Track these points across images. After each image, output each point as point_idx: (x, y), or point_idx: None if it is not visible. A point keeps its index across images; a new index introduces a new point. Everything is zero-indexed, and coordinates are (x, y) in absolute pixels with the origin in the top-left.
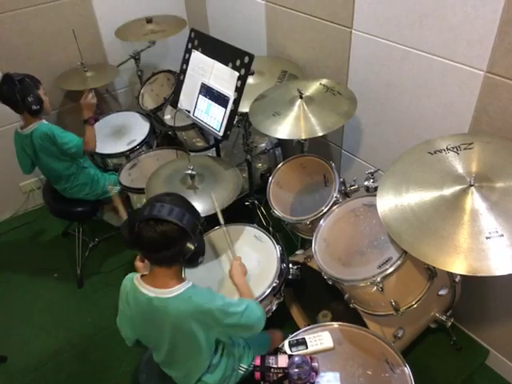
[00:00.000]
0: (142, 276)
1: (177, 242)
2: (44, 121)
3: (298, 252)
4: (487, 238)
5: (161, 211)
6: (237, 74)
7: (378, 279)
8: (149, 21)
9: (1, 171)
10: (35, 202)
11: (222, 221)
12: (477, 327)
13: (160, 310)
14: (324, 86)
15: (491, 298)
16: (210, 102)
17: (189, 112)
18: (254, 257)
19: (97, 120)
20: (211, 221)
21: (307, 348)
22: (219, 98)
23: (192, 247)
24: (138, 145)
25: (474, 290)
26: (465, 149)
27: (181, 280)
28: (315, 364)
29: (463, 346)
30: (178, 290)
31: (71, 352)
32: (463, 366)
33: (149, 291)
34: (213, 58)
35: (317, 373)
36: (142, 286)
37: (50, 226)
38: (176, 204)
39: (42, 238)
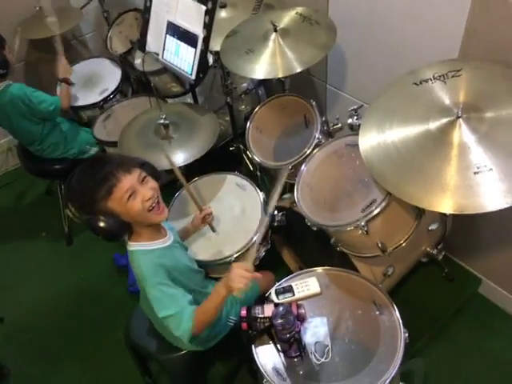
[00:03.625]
0: None
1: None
2: (10, 82)
3: (285, 196)
4: (475, 173)
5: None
6: (203, 7)
7: (363, 223)
8: None
9: None
10: (14, 162)
11: (183, 181)
12: (469, 257)
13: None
14: (300, 15)
15: (483, 227)
16: (178, 42)
17: (157, 54)
18: (238, 206)
19: (71, 83)
20: (193, 169)
21: (294, 295)
22: (188, 37)
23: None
24: (111, 94)
25: (466, 221)
26: (452, 76)
27: (143, 238)
28: (301, 311)
29: (455, 277)
30: (131, 246)
31: (66, 309)
32: (456, 296)
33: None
34: None
35: (303, 320)
36: None
37: (32, 185)
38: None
39: (26, 198)
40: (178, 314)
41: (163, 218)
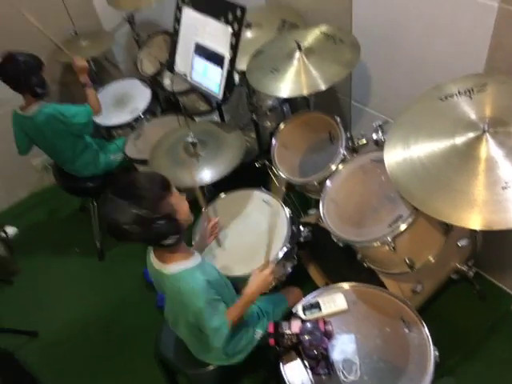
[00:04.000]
0: (154, 250)
1: (125, 234)
2: (43, 103)
3: (310, 212)
4: (504, 188)
5: (106, 207)
6: (230, 29)
7: (389, 239)
8: None
9: (11, 152)
10: (50, 180)
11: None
12: (501, 274)
13: (163, 280)
14: (324, 33)
15: None
16: (206, 62)
17: (186, 75)
18: (264, 222)
19: (94, 81)
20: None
21: (321, 311)
22: (215, 58)
23: (139, 236)
24: (141, 113)
25: (497, 237)
26: (478, 92)
27: (179, 258)
28: (329, 328)
29: (487, 295)
30: (172, 268)
31: (97, 323)
32: (487, 315)
33: (155, 263)
34: (204, 13)
35: (331, 336)
36: (153, 258)
37: (67, 202)
38: (127, 194)
39: (60, 215)
40: (221, 325)
41: (192, 218)
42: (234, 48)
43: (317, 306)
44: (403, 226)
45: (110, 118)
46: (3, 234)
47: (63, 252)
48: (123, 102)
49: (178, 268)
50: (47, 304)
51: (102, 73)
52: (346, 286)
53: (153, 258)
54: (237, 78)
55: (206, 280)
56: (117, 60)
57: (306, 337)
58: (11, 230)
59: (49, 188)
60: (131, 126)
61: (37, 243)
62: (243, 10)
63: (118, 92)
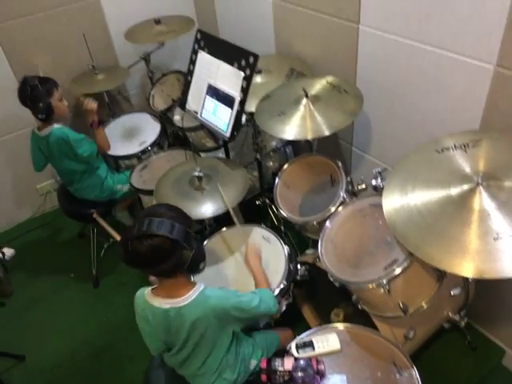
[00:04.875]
0: (152, 289)
1: (171, 253)
2: (55, 125)
3: (308, 251)
4: (495, 238)
5: (150, 226)
6: (242, 74)
7: (384, 281)
8: (157, 22)
9: (18, 174)
10: (52, 204)
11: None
12: (492, 326)
13: (177, 318)
14: (330, 83)
15: (508, 295)
16: (216, 102)
17: (196, 113)
18: (263, 258)
19: (101, 123)
20: (220, 220)
21: (314, 350)
22: (225, 99)
23: (188, 256)
24: (149, 146)
25: (490, 288)
26: (473, 146)
27: (191, 285)
28: (321, 367)
29: (478, 346)
30: (190, 296)
31: (87, 351)
32: (478, 367)
33: (163, 303)
34: (218, 58)
35: (323, 376)
36: (155, 299)
37: (66, 227)
38: (165, 216)
39: (58, 239)
40: (262, 294)
41: None
42: (245, 91)
43: (310, 344)
44: (398, 270)
45: (119, 148)
46: (0, 255)
47: (58, 277)
48: (133, 134)
49: (196, 292)
50: (37, 328)
51: (113, 105)
52: (340, 326)
53: (153, 300)
54: (244, 118)
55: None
56: (129, 94)
57: (299, 373)
58: (8, 252)
59: (50, 213)
60: (138, 158)
61: (33, 266)
62: (256, 57)
63: (129, 124)
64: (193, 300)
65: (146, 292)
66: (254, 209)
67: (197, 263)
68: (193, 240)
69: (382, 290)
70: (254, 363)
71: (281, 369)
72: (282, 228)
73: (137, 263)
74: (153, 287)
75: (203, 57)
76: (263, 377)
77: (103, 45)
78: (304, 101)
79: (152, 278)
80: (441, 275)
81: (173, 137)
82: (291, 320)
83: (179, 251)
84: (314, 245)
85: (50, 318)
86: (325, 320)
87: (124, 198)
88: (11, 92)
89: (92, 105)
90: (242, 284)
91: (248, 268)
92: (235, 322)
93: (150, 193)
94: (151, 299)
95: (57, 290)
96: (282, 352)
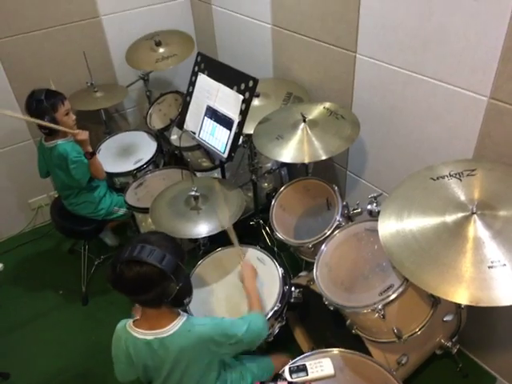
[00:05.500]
0: (134, 321)
1: (157, 283)
2: (60, 140)
3: (301, 274)
4: (490, 267)
5: (141, 253)
6: (241, 97)
7: (380, 306)
8: (158, 44)
9: (10, 188)
10: (43, 219)
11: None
12: (484, 354)
13: (160, 349)
14: (328, 109)
15: (499, 323)
16: (215, 123)
17: (194, 133)
18: (257, 279)
19: (93, 154)
20: (214, 240)
21: (308, 375)
22: (224, 121)
23: (174, 289)
24: (144, 164)
25: (481, 316)
26: (468, 175)
27: (175, 316)
28: None
29: (469, 373)
30: (174, 326)
31: (74, 371)
32: None
33: (145, 335)
34: (218, 81)
35: None
36: (137, 331)
37: (56, 243)
38: (159, 245)
39: (48, 255)
40: (252, 318)
41: None
42: (244, 113)
43: (304, 369)
44: (394, 296)
45: (114, 165)
46: None
47: (47, 293)
48: (129, 151)
49: (180, 322)
50: (23, 345)
51: (110, 123)
52: (334, 351)
53: (135, 332)
54: (240, 140)
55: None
56: (126, 112)
57: None
58: None
59: (40, 228)
60: (134, 175)
61: (21, 281)
62: (256, 81)
63: (125, 142)
64: (176, 330)
65: (127, 324)
66: (248, 229)
67: (182, 297)
68: (181, 274)
69: (376, 315)
70: None
71: None
72: (276, 249)
73: (122, 287)
74: (134, 319)
75: (203, 79)
76: None
77: (103, 63)
78: (302, 125)
79: (135, 309)
80: (435, 301)
81: (168, 156)
82: (284, 342)
83: (166, 283)
84: (308, 267)
85: (37, 336)
86: (317, 343)
87: (116, 220)
88: (8, 106)
89: (82, 136)
90: (236, 304)
91: (243, 286)
92: (222, 350)
93: (144, 211)
94: (133, 331)
95: (45, 307)
96: (275, 376)
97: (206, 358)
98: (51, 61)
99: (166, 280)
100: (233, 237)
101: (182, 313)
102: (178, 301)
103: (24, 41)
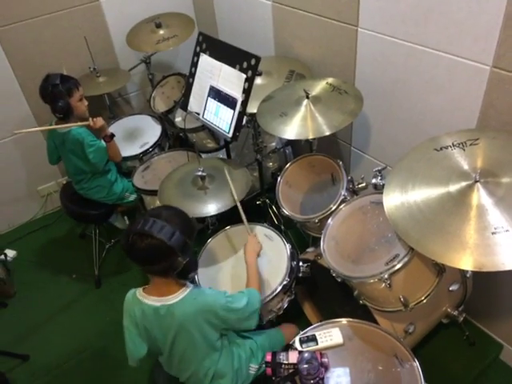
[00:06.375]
0: (144, 289)
1: (164, 257)
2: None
3: (308, 250)
4: (493, 233)
5: (152, 227)
6: (244, 76)
7: (386, 276)
8: (158, 25)
9: (19, 176)
10: (53, 205)
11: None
12: (490, 322)
13: (167, 316)
14: (330, 85)
15: (504, 292)
16: (218, 104)
17: (198, 114)
18: (265, 255)
19: (112, 136)
20: (223, 219)
21: (317, 344)
22: (227, 100)
23: (181, 264)
24: (150, 147)
25: (487, 285)
26: (471, 145)
27: (182, 285)
28: (325, 360)
29: (476, 341)
30: (181, 293)
31: (90, 350)
32: (476, 361)
33: (153, 301)
34: (220, 60)
35: (326, 368)
36: (146, 297)
37: (67, 229)
38: (170, 221)
39: (60, 240)
40: (250, 295)
41: None
42: (247, 92)
43: (313, 339)
44: (399, 265)
45: (120, 150)
46: (3, 257)
47: (60, 277)
48: (134, 135)
49: (187, 291)
50: (40, 328)
51: (114, 107)
52: (343, 321)
53: (145, 298)
54: (244, 119)
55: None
56: (129, 96)
57: (305, 365)
58: (10, 253)
59: (50, 214)
60: (140, 159)
61: (34, 267)
62: (258, 59)
63: (130, 126)
64: (183, 298)
65: (137, 291)
66: (255, 208)
67: (187, 272)
68: (188, 250)
69: (383, 285)
70: (254, 368)
71: (285, 362)
72: (283, 227)
73: (133, 256)
74: (144, 287)
75: (205, 59)
76: (268, 370)
77: (104, 48)
78: (305, 102)
79: None
80: (440, 270)
81: (173, 138)
82: (293, 316)
83: (173, 257)
84: (314, 243)
85: (53, 318)
86: (325, 316)
87: (125, 205)
88: (12, 94)
89: (100, 122)
90: (241, 282)
91: (245, 259)
92: (222, 324)
93: (152, 193)
94: (142, 297)
95: (59, 291)
96: (286, 347)
97: (208, 331)
98: (53, 47)
99: (173, 255)
100: (242, 211)
101: (189, 283)
102: (184, 274)
103: (25, 28)
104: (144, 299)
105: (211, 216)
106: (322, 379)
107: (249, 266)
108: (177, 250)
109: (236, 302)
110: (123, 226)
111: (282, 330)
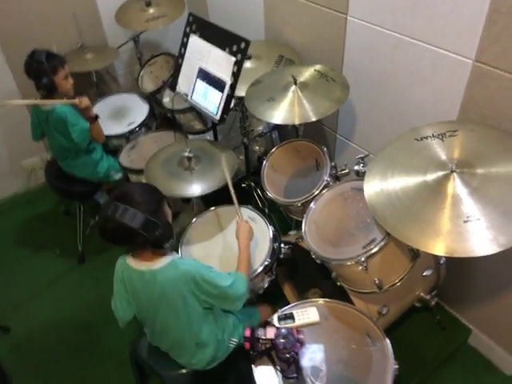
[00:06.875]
0: (133, 255)
1: (132, 237)
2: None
3: (290, 232)
4: (465, 221)
5: (114, 212)
6: (233, 59)
7: (363, 259)
8: (148, 3)
9: (2, 150)
10: (37, 181)
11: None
12: (460, 307)
13: (150, 281)
14: (318, 71)
15: (475, 279)
16: (207, 85)
17: (187, 95)
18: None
19: (96, 117)
20: (207, 201)
21: (294, 322)
22: (216, 83)
23: (148, 239)
24: (137, 126)
25: (459, 272)
26: (450, 136)
27: (166, 253)
28: (301, 336)
29: (447, 325)
30: (165, 260)
31: (72, 325)
32: (446, 344)
33: (140, 266)
34: (210, 42)
35: (302, 344)
36: (134, 263)
37: (51, 205)
38: (131, 201)
39: (43, 216)
40: (237, 278)
41: None
42: (236, 75)
43: (291, 316)
44: (376, 249)
45: (107, 128)
46: None
47: (43, 253)
48: (121, 114)
49: (170, 259)
50: (22, 302)
51: (101, 85)
52: (319, 300)
53: (133, 263)
54: (232, 102)
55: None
56: (117, 74)
57: (281, 340)
58: None
59: (34, 190)
60: (126, 138)
61: (17, 242)
62: (247, 42)
63: (117, 104)
64: (166, 264)
65: (126, 257)
66: (240, 191)
67: (160, 243)
68: (153, 226)
69: (359, 267)
70: (234, 341)
71: (263, 337)
72: (267, 210)
73: (104, 238)
74: (133, 253)
75: (195, 40)
76: (246, 344)
77: (92, 24)
78: (293, 87)
79: None
80: (415, 255)
81: (160, 118)
82: (273, 296)
83: (139, 237)
84: (297, 227)
85: (35, 293)
86: (304, 298)
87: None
88: None
89: (85, 102)
90: (229, 263)
91: (238, 244)
92: (202, 295)
93: (138, 172)
94: (130, 261)
95: (42, 266)
96: (265, 323)
97: (191, 301)
98: (41, 21)
99: (138, 235)
100: (232, 190)
101: (174, 252)
102: (158, 245)
103: (12, 0)
104: (131, 264)
105: (196, 197)
106: (297, 353)
107: (242, 252)
108: (139, 230)
109: (218, 279)
110: None
111: (258, 308)
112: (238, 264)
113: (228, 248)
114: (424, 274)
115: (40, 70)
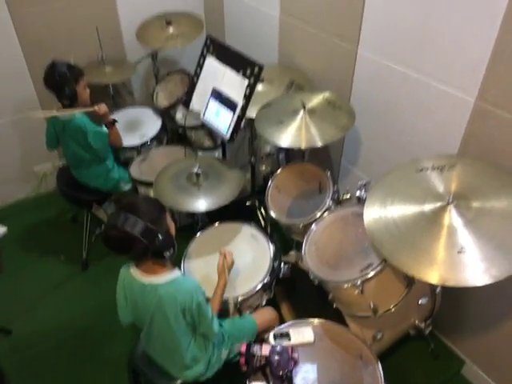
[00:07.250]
0: (137, 265)
1: (134, 245)
2: (76, 113)
3: (291, 252)
4: (459, 252)
5: (117, 220)
6: (246, 82)
7: (359, 282)
8: (168, 22)
9: (16, 155)
10: (47, 187)
11: None
12: (455, 337)
13: (151, 292)
14: (327, 99)
15: (469, 310)
16: (219, 105)
17: (199, 113)
18: (249, 254)
19: (114, 122)
20: (212, 216)
21: (290, 340)
22: (228, 103)
23: (149, 248)
24: (149, 140)
25: (455, 302)
26: (448, 169)
27: (168, 268)
28: (295, 355)
29: (440, 355)
30: (169, 276)
31: (73, 331)
32: (438, 374)
33: (142, 278)
34: (225, 64)
35: (296, 363)
36: (137, 274)
37: (60, 211)
38: (133, 210)
39: (51, 222)
40: (212, 315)
41: None
42: (247, 98)
43: (287, 335)
44: (372, 273)
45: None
46: None
47: (48, 258)
48: (134, 126)
49: (171, 276)
50: (25, 306)
51: (117, 97)
52: (315, 321)
53: (136, 274)
54: (242, 123)
55: (197, 282)
56: (133, 88)
57: (276, 357)
58: (1, 230)
59: (44, 195)
60: (138, 150)
61: (23, 245)
62: (261, 68)
63: (131, 117)
64: (170, 281)
65: (130, 266)
66: (244, 209)
67: (161, 252)
68: (152, 234)
69: (356, 291)
70: (224, 353)
71: (259, 353)
72: (269, 229)
73: (109, 246)
74: (137, 263)
75: (211, 61)
76: (242, 360)
77: (113, 38)
78: (301, 113)
79: None
80: (410, 282)
81: (172, 133)
82: None
83: (140, 244)
84: (298, 247)
85: (38, 297)
86: (300, 317)
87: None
88: (19, 75)
89: (104, 108)
90: (211, 284)
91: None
92: (189, 316)
93: (147, 184)
94: (134, 273)
95: (46, 271)
96: (261, 340)
97: (180, 318)
98: (64, 33)
99: (139, 242)
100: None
101: (176, 268)
102: (159, 254)
103: (40, 12)
104: (135, 275)
105: (201, 213)
106: (291, 371)
107: (217, 288)
108: (141, 238)
109: (207, 310)
110: (103, 215)
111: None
112: (213, 295)
113: (213, 270)
114: (420, 302)
115: (63, 80)
